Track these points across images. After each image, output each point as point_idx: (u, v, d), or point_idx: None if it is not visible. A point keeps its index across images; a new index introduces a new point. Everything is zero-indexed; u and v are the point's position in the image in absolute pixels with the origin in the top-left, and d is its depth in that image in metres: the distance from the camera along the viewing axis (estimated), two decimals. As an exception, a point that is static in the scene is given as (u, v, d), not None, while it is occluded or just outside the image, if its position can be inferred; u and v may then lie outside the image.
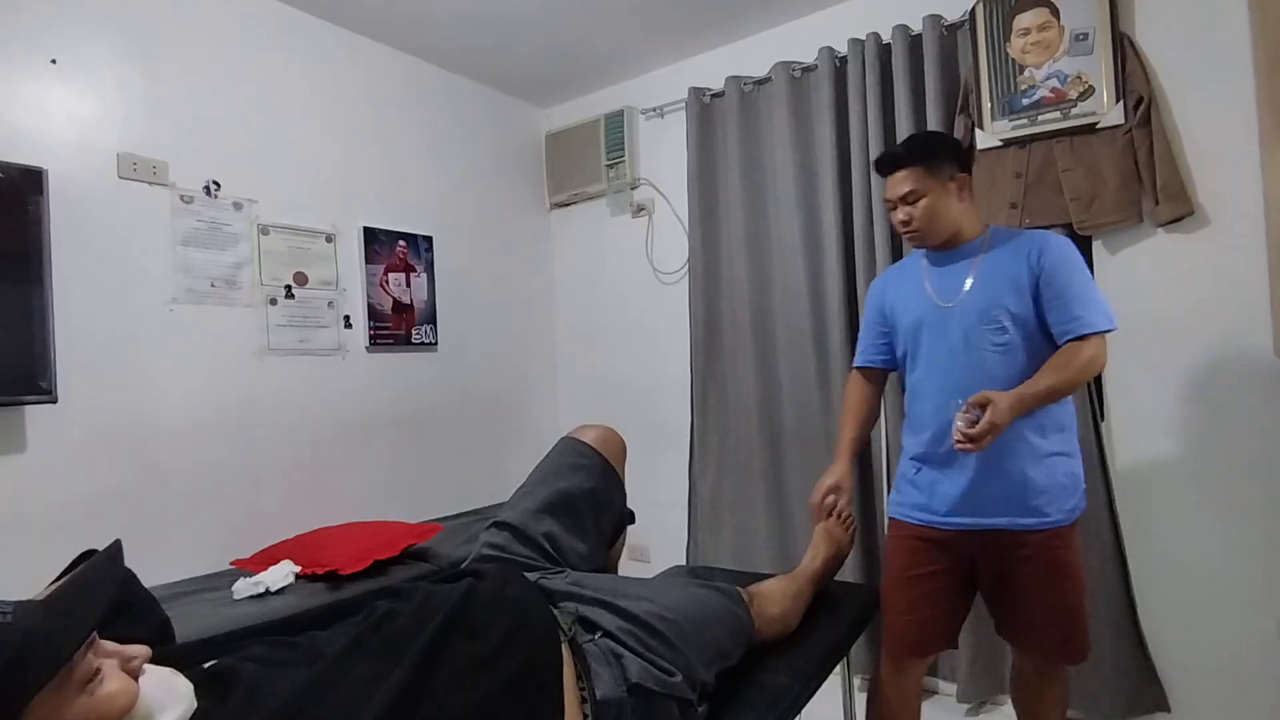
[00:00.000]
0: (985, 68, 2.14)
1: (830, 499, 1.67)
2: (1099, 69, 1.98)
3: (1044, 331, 1.47)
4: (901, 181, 1.53)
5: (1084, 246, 2.07)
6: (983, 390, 1.36)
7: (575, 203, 3.27)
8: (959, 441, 1.30)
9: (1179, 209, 1.91)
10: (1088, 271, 1.49)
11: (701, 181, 2.79)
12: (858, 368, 1.77)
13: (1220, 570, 1.92)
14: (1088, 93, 2.00)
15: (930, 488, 1.54)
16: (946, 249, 1.58)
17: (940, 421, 1.49)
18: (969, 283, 1.52)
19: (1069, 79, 2.02)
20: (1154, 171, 1.93)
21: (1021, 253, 1.49)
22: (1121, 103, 1.96)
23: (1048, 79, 2.05)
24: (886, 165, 1.57)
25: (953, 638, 1.59)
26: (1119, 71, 1.96)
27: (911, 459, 1.60)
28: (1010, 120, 2.10)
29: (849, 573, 2.19)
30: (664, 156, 2.96)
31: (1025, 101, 2.08)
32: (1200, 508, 1.94)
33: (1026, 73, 2.08)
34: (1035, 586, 1.46)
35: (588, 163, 3.13)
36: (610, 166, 3.04)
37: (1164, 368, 1.99)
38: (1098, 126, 1.98)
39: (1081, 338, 1.41)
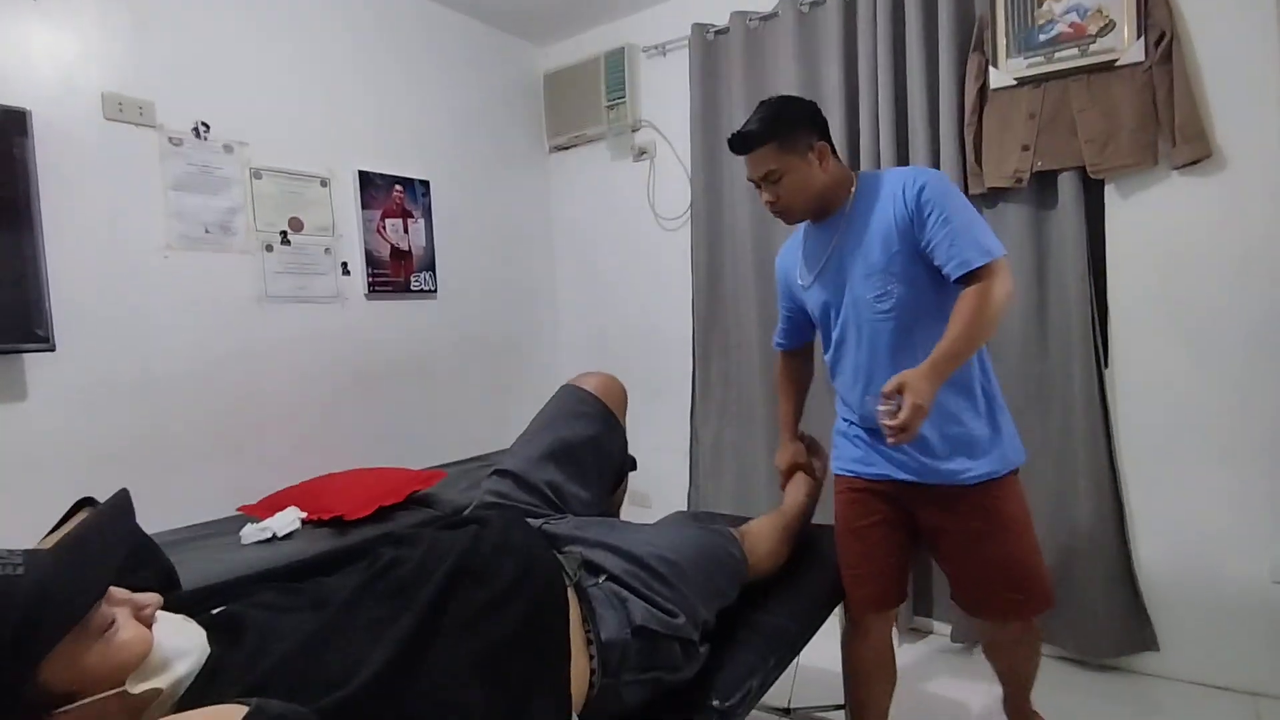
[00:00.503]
0: (1002, 1, 2.05)
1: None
2: (1120, 2, 1.90)
3: (928, 274, 1.38)
4: (760, 161, 1.44)
5: (1096, 191, 2.03)
6: (889, 370, 1.33)
7: (575, 146, 3.19)
8: (891, 437, 1.20)
9: (1197, 151, 1.86)
10: (964, 198, 1.40)
11: (705, 123, 2.72)
12: (777, 349, 1.81)
13: (1217, 516, 1.94)
14: (1108, 28, 1.92)
15: (864, 444, 1.53)
16: (819, 221, 1.53)
17: (861, 406, 1.49)
18: (844, 256, 1.46)
19: (1089, 13, 1.94)
20: (1173, 112, 1.87)
21: (888, 196, 1.41)
22: (1142, 39, 1.88)
23: (1067, 13, 1.97)
24: (742, 145, 1.45)
25: (903, 591, 1.57)
26: (1141, 5, 1.88)
27: (844, 419, 1.61)
28: (1026, 58, 2.02)
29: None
30: (666, 97, 2.87)
31: (1042, 37, 2.00)
32: (1201, 456, 1.95)
33: (1045, 6, 1.99)
34: (975, 539, 1.41)
35: (587, 104, 3.03)
36: (611, 107, 2.95)
37: (1173, 315, 1.97)
38: (1117, 64, 1.91)
39: (974, 274, 1.30)
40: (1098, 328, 2.03)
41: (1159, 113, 1.89)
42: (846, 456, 1.57)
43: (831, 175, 1.46)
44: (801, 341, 1.76)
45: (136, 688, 0.71)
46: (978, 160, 2.13)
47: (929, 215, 1.34)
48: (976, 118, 2.12)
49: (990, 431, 1.43)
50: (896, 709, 1.64)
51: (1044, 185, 2.08)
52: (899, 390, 1.20)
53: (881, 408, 1.21)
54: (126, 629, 0.72)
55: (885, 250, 1.39)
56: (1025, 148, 2.04)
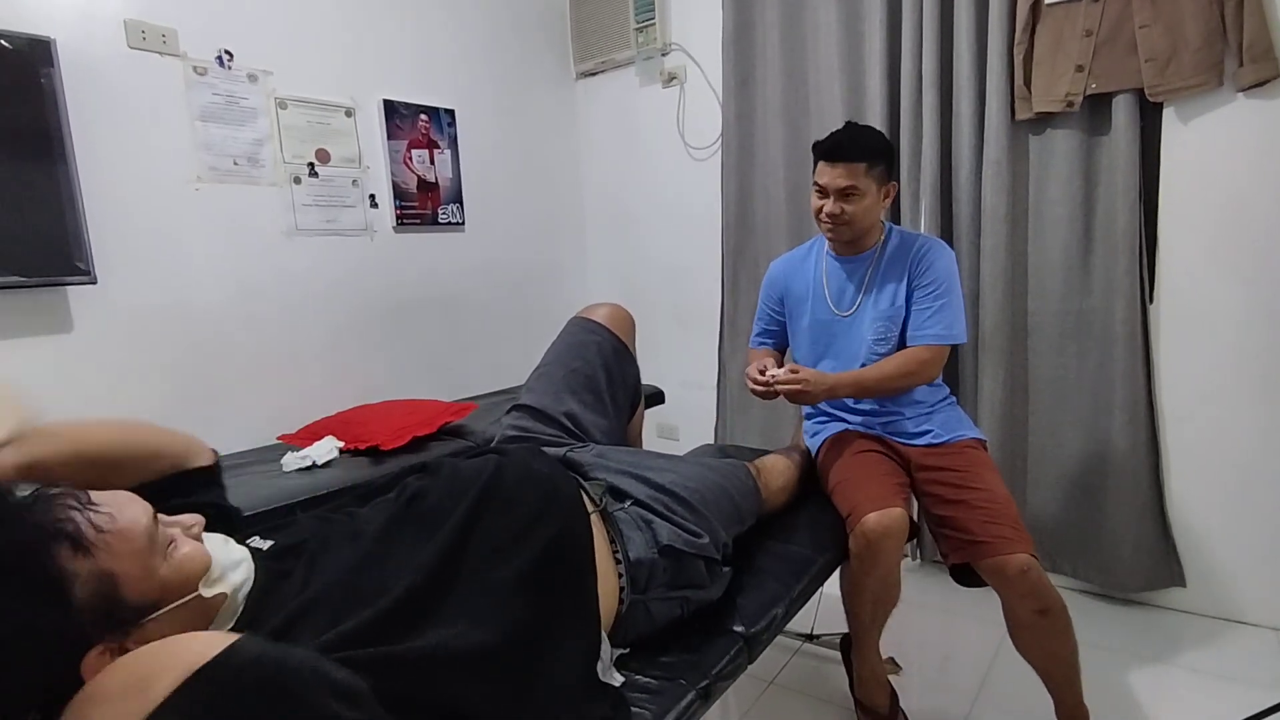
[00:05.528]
0: (1062, -94, 1.90)
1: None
2: (1194, -95, 1.75)
3: None
4: (848, 174, 1.51)
5: (1153, 116, 1.92)
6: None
7: (602, 71, 3.09)
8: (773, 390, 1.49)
9: (1264, 72, 1.74)
10: (959, 283, 1.59)
11: (737, 46, 2.60)
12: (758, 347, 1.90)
13: (1252, 455, 1.90)
14: (1178, -66, 1.77)
15: (848, 420, 1.70)
16: (849, 252, 1.66)
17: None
18: (863, 294, 1.64)
19: (1158, -82, 1.79)
20: (1241, 29, 1.74)
21: (906, 258, 1.59)
22: (1215, -54, 1.74)
23: (1133, -82, 1.81)
24: (839, 153, 1.52)
25: (904, 501, 1.47)
26: (1216, -92, 1.73)
27: (825, 414, 1.77)
28: (1085, -31, 1.89)
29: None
30: (697, 17, 2.75)
31: (1104, -54, 1.85)
32: (1240, 394, 1.90)
33: (1109, -89, 1.84)
34: (961, 479, 1.48)
35: (615, 26, 2.92)
36: (639, 30, 2.84)
37: (1226, 250, 1.88)
38: (1185, -26, 1.77)
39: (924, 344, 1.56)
40: (1145, 262, 1.96)
41: (1228, 29, 1.76)
42: (832, 428, 1.70)
43: (880, 215, 1.62)
44: (781, 344, 1.87)
45: (209, 591, 0.79)
46: (1026, 82, 2.02)
47: (929, 282, 1.56)
48: (1027, 36, 2.00)
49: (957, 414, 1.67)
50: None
51: (1096, 109, 1.97)
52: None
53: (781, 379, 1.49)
54: (185, 545, 0.79)
55: (893, 303, 1.60)
56: (1079, 68, 1.92)
